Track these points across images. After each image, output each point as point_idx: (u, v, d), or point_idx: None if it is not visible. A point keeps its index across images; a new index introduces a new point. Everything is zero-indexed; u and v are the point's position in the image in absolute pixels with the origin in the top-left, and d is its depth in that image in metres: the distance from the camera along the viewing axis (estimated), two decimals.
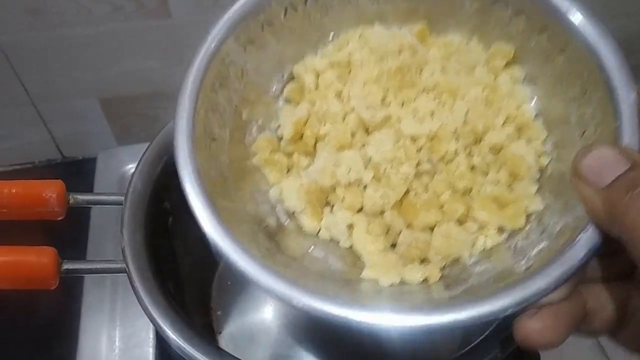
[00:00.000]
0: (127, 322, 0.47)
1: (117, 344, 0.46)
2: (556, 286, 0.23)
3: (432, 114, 0.30)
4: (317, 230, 0.30)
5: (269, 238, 0.29)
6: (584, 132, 0.27)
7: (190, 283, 0.43)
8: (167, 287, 0.37)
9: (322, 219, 0.30)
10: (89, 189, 0.56)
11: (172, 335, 0.33)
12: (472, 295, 0.25)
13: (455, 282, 0.27)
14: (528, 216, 0.28)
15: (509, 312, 0.23)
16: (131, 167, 0.56)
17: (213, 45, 0.30)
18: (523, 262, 0.26)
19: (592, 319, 0.24)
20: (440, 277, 0.28)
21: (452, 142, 0.30)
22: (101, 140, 0.64)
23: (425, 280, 0.28)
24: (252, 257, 0.25)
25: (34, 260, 0.33)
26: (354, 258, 0.29)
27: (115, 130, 0.65)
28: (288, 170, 0.32)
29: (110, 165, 0.58)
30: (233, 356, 0.32)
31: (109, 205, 0.39)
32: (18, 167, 0.64)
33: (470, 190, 0.29)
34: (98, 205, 0.49)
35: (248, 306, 0.47)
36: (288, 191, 0.30)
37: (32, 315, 0.50)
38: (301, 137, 0.32)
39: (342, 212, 0.30)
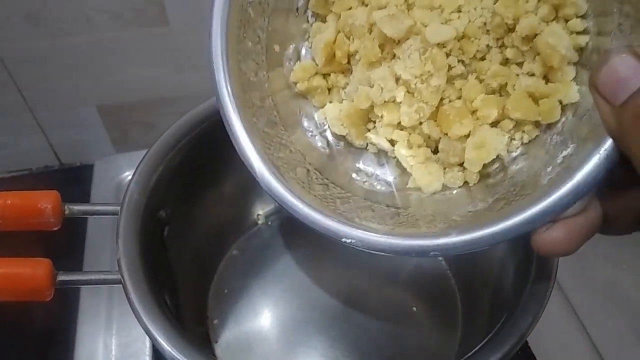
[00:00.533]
0: (123, 332, 0.47)
1: (113, 353, 0.46)
2: (572, 204, 0.24)
3: (459, 9, 0.29)
4: (365, 145, 0.33)
5: (320, 175, 0.32)
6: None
7: (186, 292, 0.43)
8: (163, 298, 0.37)
9: (366, 137, 0.32)
10: (86, 197, 0.56)
11: (167, 347, 0.33)
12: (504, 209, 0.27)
13: (494, 183, 0.29)
14: (564, 107, 0.28)
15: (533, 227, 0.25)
16: (128, 175, 0.56)
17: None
18: (550, 169, 0.27)
19: (613, 224, 0.25)
20: (480, 179, 0.30)
21: (483, 38, 0.29)
22: (99, 148, 0.64)
23: (466, 183, 0.30)
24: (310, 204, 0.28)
25: (29, 273, 0.33)
26: (400, 170, 0.31)
27: (113, 138, 0.65)
28: (329, 91, 0.33)
29: (108, 173, 0.58)
30: None
31: (104, 215, 0.39)
32: (15, 174, 0.64)
33: (505, 85, 0.29)
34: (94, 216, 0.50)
35: (245, 315, 0.47)
36: (330, 118, 0.32)
37: (28, 324, 0.50)
38: (334, 56, 0.32)
39: (383, 129, 0.31)
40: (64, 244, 0.51)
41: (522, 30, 0.28)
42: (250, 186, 0.51)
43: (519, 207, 0.25)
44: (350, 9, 0.32)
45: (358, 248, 0.27)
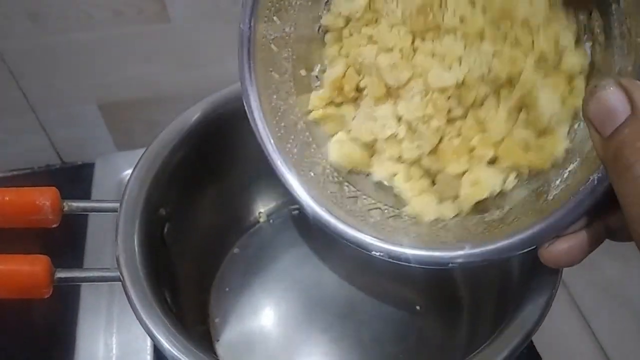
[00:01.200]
0: (124, 329, 0.46)
1: (114, 351, 0.45)
2: (574, 222, 0.26)
3: (460, 58, 0.31)
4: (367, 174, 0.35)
5: (353, 187, 0.35)
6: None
7: (187, 290, 0.43)
8: (163, 295, 0.37)
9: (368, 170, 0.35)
10: (88, 195, 0.55)
11: (167, 346, 0.32)
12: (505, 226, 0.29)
13: (489, 208, 0.32)
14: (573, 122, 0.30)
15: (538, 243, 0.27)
16: (129, 173, 0.56)
17: (247, 36, 0.34)
18: (558, 181, 0.29)
19: (616, 234, 0.27)
20: (473, 209, 0.32)
21: (481, 87, 0.31)
22: (101, 146, 0.63)
23: (459, 214, 0.32)
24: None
25: (27, 269, 0.33)
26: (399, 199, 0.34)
27: (115, 136, 0.64)
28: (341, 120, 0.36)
29: (109, 171, 0.57)
30: None
31: (104, 212, 0.38)
32: (17, 172, 0.63)
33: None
34: (94, 213, 0.49)
35: (246, 313, 0.46)
36: (333, 156, 0.35)
37: (30, 323, 0.49)
38: (342, 89, 0.35)
39: (385, 163, 0.34)
40: (65, 242, 0.51)
41: (517, 91, 0.30)
42: (252, 184, 0.51)
43: (526, 223, 0.28)
44: (360, 46, 0.35)
45: (386, 259, 0.31)
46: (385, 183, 0.34)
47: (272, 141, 0.34)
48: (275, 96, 0.35)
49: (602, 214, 0.26)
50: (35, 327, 0.50)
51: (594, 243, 0.27)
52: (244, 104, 0.34)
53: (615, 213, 0.26)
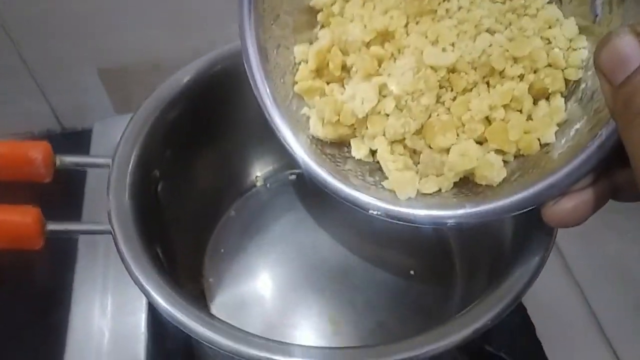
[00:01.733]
0: (119, 290, 0.47)
1: (109, 309, 0.46)
2: (579, 179, 0.26)
3: (453, 44, 0.31)
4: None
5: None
6: None
7: (180, 249, 0.43)
8: (156, 252, 0.37)
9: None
10: None
11: (160, 300, 0.32)
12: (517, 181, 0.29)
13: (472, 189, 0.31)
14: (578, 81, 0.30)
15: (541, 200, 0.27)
16: None
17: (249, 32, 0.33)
18: (563, 141, 0.29)
19: (622, 193, 0.26)
20: (455, 186, 0.31)
21: (471, 74, 0.31)
22: (100, 111, 0.63)
23: (439, 191, 0.31)
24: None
25: (18, 220, 0.33)
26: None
27: (114, 101, 0.64)
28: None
29: (107, 135, 0.57)
30: (225, 322, 0.32)
31: (96, 167, 0.39)
32: (17, 137, 0.64)
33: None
34: (92, 170, 0.49)
35: (241, 274, 0.46)
36: (313, 129, 0.34)
37: (26, 283, 0.50)
38: (328, 65, 0.34)
39: (367, 139, 0.33)
40: (63, 200, 0.51)
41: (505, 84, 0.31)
42: (249, 147, 0.51)
43: (529, 181, 0.27)
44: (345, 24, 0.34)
45: (383, 219, 0.30)
46: (365, 160, 0.34)
47: (270, 96, 0.32)
48: (275, 51, 0.34)
49: (609, 170, 0.26)
50: (32, 287, 0.50)
51: (599, 202, 0.26)
52: (243, 56, 0.33)
53: (623, 169, 0.25)
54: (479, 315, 0.31)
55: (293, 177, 0.52)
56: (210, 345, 0.30)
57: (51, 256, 0.41)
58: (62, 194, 0.49)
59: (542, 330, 0.46)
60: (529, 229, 0.35)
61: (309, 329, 0.44)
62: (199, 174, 0.47)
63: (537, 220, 0.34)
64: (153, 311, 0.45)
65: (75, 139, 0.63)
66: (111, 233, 0.34)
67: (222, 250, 0.48)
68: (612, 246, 0.52)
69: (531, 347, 0.46)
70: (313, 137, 0.34)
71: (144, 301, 0.46)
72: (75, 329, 0.45)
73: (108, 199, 0.36)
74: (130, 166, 0.37)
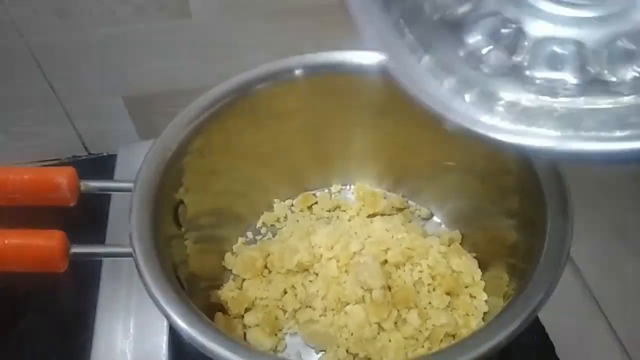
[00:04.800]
0: (141, 311, 0.47)
1: (131, 332, 0.46)
2: None
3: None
4: None
5: None
6: None
7: (200, 272, 0.44)
8: (176, 274, 0.38)
9: None
10: None
11: (178, 321, 0.33)
12: None
13: None
14: None
15: None
16: None
17: None
18: None
19: None
20: None
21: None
22: (125, 137, 0.65)
23: None
24: None
25: (43, 244, 0.34)
26: None
27: (139, 128, 0.66)
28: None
29: (131, 159, 0.59)
30: (245, 343, 0.32)
31: (120, 192, 0.40)
32: (44, 163, 0.66)
33: None
34: (116, 195, 0.51)
35: None
36: None
37: (50, 306, 0.51)
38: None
39: None
40: (87, 224, 0.52)
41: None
42: (267, 172, 0.51)
43: None
44: None
45: None
46: None
47: None
48: None
49: None
50: (57, 309, 0.51)
51: None
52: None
53: None
54: (495, 334, 0.31)
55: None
56: None
57: (76, 278, 0.42)
58: (87, 217, 0.51)
59: (562, 350, 0.46)
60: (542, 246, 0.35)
61: None
62: (218, 197, 0.48)
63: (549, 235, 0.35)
64: (174, 333, 0.46)
65: (101, 164, 0.64)
66: (132, 255, 0.35)
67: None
68: (631, 264, 0.51)
69: None
70: None
71: (165, 323, 0.47)
72: (98, 351, 0.46)
73: (130, 222, 0.37)
74: (151, 190, 0.38)
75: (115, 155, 0.62)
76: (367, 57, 0.43)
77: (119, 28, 0.57)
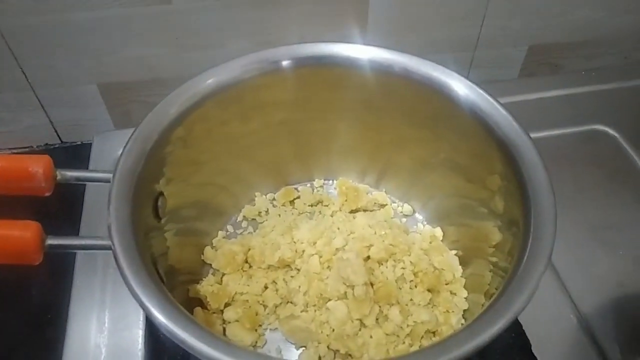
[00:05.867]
0: (117, 305, 0.46)
1: (106, 325, 0.45)
2: None
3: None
4: None
5: None
6: None
7: (180, 265, 0.43)
8: (155, 267, 0.37)
9: None
10: None
11: (158, 315, 0.32)
12: None
13: None
14: None
15: None
16: None
17: None
18: None
19: None
20: None
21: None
22: (100, 126, 0.63)
23: None
24: None
25: (17, 235, 0.33)
26: None
27: (114, 116, 0.64)
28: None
29: (106, 148, 0.57)
30: (224, 338, 0.31)
31: (97, 182, 0.38)
32: (16, 151, 0.64)
33: None
34: (92, 184, 0.49)
35: None
36: None
37: (25, 297, 0.49)
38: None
39: None
40: (62, 214, 0.51)
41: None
42: (249, 165, 0.51)
43: None
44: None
45: None
46: None
47: None
48: None
49: None
50: (29, 301, 0.50)
51: None
52: None
53: None
54: (477, 333, 0.31)
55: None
56: None
57: (49, 270, 0.41)
58: (61, 208, 0.49)
59: (537, 346, 0.46)
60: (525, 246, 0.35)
61: None
62: (199, 189, 0.47)
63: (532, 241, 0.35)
64: (150, 327, 0.45)
65: (74, 153, 0.63)
66: (111, 248, 0.34)
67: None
68: (605, 262, 0.53)
69: None
70: None
71: (141, 317, 0.46)
72: (71, 345, 0.44)
73: (108, 213, 0.35)
74: (130, 181, 0.37)
75: (90, 144, 0.60)
76: (356, 51, 0.43)
77: (95, 12, 0.55)
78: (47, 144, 0.65)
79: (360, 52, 0.43)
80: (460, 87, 0.41)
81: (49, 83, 0.60)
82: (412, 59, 0.42)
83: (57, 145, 0.65)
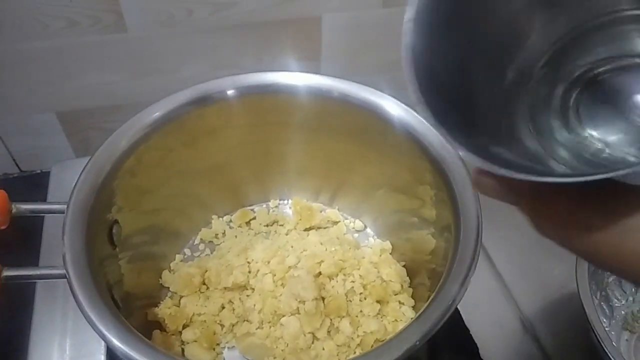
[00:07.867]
0: (78, 332, 0.47)
1: (67, 353, 0.46)
2: None
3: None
4: None
5: None
6: None
7: (136, 291, 0.44)
8: (111, 294, 0.38)
9: None
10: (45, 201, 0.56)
11: (115, 341, 0.33)
12: None
13: None
14: None
15: None
16: None
17: None
18: None
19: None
20: None
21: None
22: (59, 154, 0.64)
23: None
24: None
25: None
26: None
27: (73, 144, 0.65)
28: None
29: (64, 177, 0.58)
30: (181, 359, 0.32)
31: (53, 214, 0.40)
32: None
33: None
34: (50, 216, 0.50)
35: None
36: None
37: None
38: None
39: None
40: (20, 246, 0.52)
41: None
42: (204, 190, 0.52)
43: None
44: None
45: None
46: None
47: None
48: None
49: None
50: None
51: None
52: None
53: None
54: (414, 333, 0.34)
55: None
56: None
57: (8, 299, 0.42)
58: (19, 238, 0.50)
59: (484, 350, 0.49)
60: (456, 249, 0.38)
61: None
62: (153, 215, 0.48)
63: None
64: (111, 353, 0.46)
65: (33, 182, 0.63)
66: (66, 277, 0.35)
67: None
68: (548, 267, 0.56)
69: None
70: None
71: (102, 343, 0.47)
72: None
73: (63, 243, 0.37)
74: (84, 211, 0.39)
75: (49, 172, 0.61)
76: (296, 78, 0.45)
77: (51, 42, 0.56)
78: (5, 173, 0.65)
79: (300, 79, 0.45)
80: (395, 109, 0.44)
81: (6, 112, 0.60)
82: (350, 84, 0.45)
83: (16, 175, 0.65)
